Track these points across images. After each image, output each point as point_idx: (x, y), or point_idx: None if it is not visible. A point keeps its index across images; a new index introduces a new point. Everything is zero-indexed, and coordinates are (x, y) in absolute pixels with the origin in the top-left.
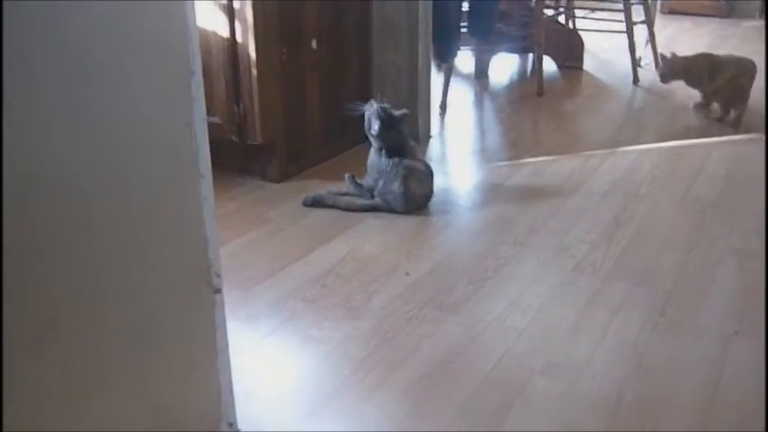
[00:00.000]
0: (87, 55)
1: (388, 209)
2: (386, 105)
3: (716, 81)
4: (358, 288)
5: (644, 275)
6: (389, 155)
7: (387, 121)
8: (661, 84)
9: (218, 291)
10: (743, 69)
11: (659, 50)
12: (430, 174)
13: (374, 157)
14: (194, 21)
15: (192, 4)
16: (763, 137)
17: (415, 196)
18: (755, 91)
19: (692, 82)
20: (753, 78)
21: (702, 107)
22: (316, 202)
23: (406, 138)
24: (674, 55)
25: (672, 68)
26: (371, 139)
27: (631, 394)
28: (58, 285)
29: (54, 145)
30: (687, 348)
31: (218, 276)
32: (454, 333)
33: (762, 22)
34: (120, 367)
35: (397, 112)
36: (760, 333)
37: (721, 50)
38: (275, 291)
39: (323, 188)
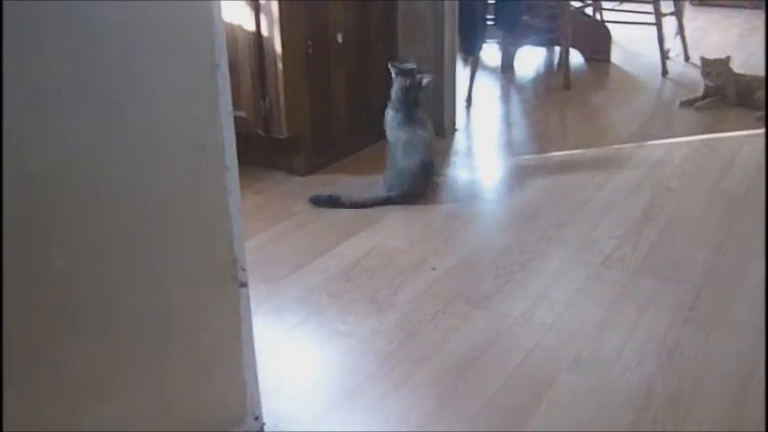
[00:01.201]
0: (110, 48)
1: (399, 196)
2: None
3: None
4: (383, 282)
5: (673, 270)
6: (403, 122)
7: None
8: (690, 76)
9: (244, 285)
10: None
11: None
12: (422, 143)
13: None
14: (220, 14)
15: None
16: None
17: (404, 171)
18: None
19: (717, 91)
20: None
21: (691, 103)
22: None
23: (419, 100)
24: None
25: (712, 70)
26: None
27: (661, 390)
28: (83, 279)
29: (78, 139)
30: (717, 344)
31: (244, 270)
32: (481, 328)
33: None
34: (144, 361)
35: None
36: None
37: (752, 41)
38: (300, 285)
39: (349, 182)
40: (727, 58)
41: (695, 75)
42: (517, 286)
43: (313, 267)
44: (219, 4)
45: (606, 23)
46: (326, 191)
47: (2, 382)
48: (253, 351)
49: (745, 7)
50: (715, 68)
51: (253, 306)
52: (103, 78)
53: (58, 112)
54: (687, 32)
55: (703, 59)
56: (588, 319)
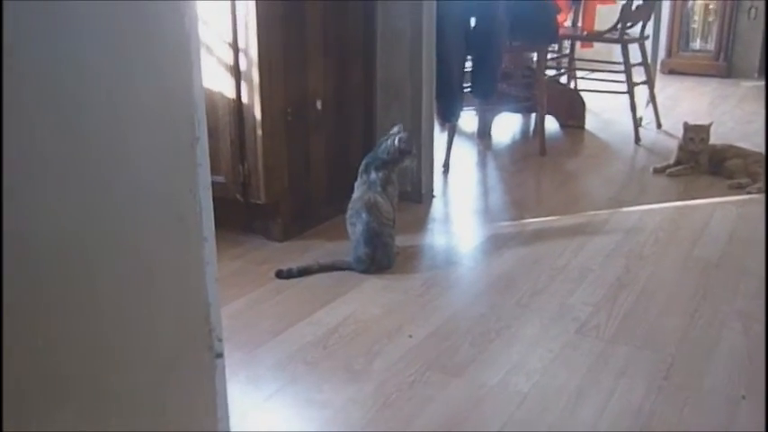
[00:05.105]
0: (89, 119)
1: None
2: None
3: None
4: (360, 350)
5: (648, 338)
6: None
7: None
8: (662, 143)
9: (220, 355)
10: (753, 159)
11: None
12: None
13: None
14: (201, 87)
15: (199, 70)
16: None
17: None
18: None
19: (690, 159)
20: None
21: (663, 170)
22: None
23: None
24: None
25: (695, 136)
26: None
27: None
28: (58, 350)
29: (55, 209)
30: (693, 413)
31: (220, 341)
32: (457, 397)
33: (760, 83)
34: None
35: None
36: None
37: (722, 109)
38: (277, 353)
39: (326, 248)
40: (710, 125)
41: (668, 142)
42: (493, 354)
43: (289, 335)
44: (201, 77)
45: (580, 92)
46: (304, 257)
47: None
48: (227, 422)
49: (716, 76)
50: (698, 134)
51: (228, 374)
52: (90, 153)
53: (49, 186)
54: (659, 101)
55: (686, 125)
56: (564, 389)
